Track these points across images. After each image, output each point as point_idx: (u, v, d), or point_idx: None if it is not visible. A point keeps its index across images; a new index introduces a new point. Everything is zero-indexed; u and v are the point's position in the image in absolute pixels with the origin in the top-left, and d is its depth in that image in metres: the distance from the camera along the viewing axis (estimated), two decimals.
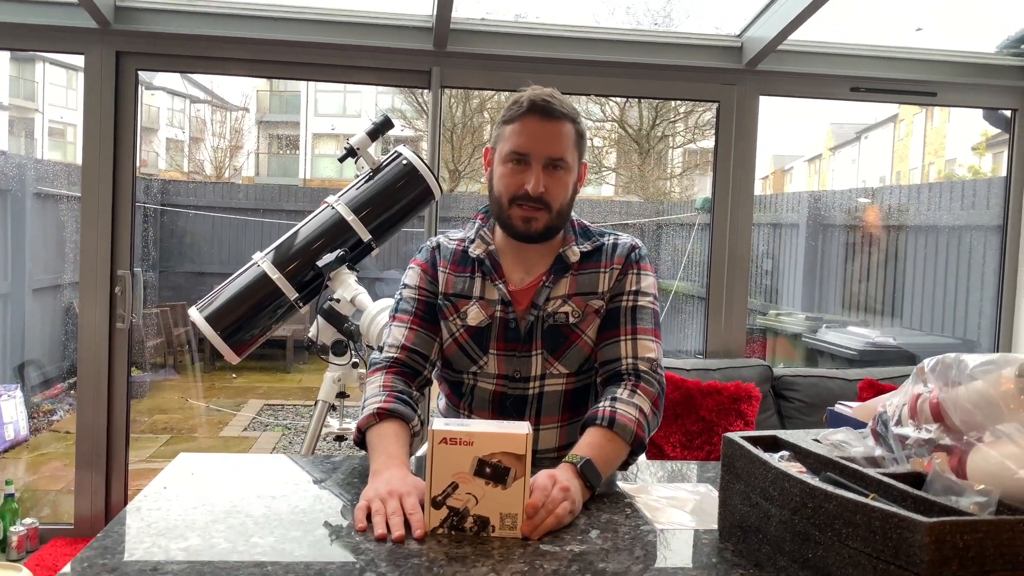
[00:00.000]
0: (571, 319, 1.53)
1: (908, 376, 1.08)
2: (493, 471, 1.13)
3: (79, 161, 2.94)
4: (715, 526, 1.20)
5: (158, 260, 7.42)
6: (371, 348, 2.21)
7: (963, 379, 0.97)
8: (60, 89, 17.66)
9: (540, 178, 1.47)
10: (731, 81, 3.13)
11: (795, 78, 3.16)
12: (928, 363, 1.04)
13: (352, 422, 2.33)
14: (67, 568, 1.01)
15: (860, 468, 1.01)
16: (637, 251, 1.59)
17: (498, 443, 1.13)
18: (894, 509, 0.86)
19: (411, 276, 1.63)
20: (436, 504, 1.14)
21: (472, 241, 1.60)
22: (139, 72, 2.96)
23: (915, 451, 1.01)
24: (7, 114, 15.91)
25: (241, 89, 17.38)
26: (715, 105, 3.20)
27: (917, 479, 0.97)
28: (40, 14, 2.86)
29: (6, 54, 13.73)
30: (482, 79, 3.19)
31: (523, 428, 1.15)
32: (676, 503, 1.32)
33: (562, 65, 3.05)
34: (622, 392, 1.44)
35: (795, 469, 1.05)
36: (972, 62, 3.22)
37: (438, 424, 1.14)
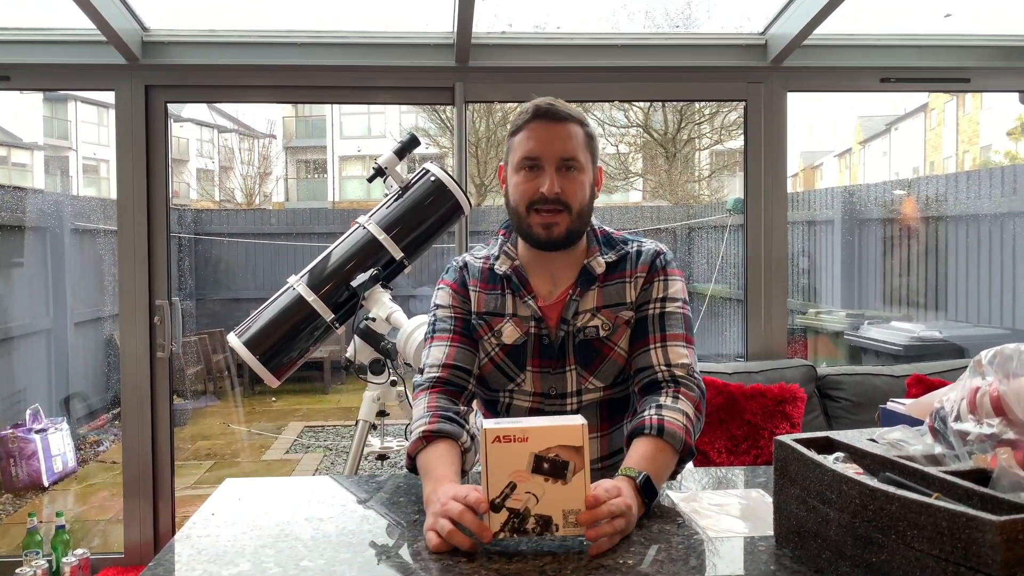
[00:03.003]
0: (602, 332, 1.51)
1: (958, 369, 1.05)
2: (552, 466, 1.09)
3: (113, 196, 2.99)
4: (770, 532, 1.17)
5: (194, 289, 7.53)
6: (408, 366, 2.20)
7: None
8: (92, 126, 18.09)
9: (554, 179, 1.45)
10: (757, 79, 3.09)
11: (823, 72, 3.12)
12: (986, 355, 1.01)
13: (392, 440, 2.33)
14: None
15: (921, 467, 0.97)
16: (662, 257, 1.56)
17: (554, 436, 1.09)
18: (961, 508, 0.83)
19: (442, 296, 1.61)
20: (495, 507, 1.10)
21: (497, 258, 1.58)
22: (168, 104, 3.01)
23: (977, 447, 0.98)
24: (43, 154, 16.33)
25: (267, 116, 17.64)
26: (741, 105, 3.17)
27: (981, 476, 0.93)
28: (70, 53, 2.92)
29: (39, 96, 14.10)
30: (505, 92, 3.19)
31: (577, 419, 1.12)
32: (728, 510, 1.29)
33: (585, 73, 3.05)
34: (665, 399, 1.41)
35: (852, 471, 1.02)
36: (1005, 45, 3.14)
37: (489, 423, 1.11)
